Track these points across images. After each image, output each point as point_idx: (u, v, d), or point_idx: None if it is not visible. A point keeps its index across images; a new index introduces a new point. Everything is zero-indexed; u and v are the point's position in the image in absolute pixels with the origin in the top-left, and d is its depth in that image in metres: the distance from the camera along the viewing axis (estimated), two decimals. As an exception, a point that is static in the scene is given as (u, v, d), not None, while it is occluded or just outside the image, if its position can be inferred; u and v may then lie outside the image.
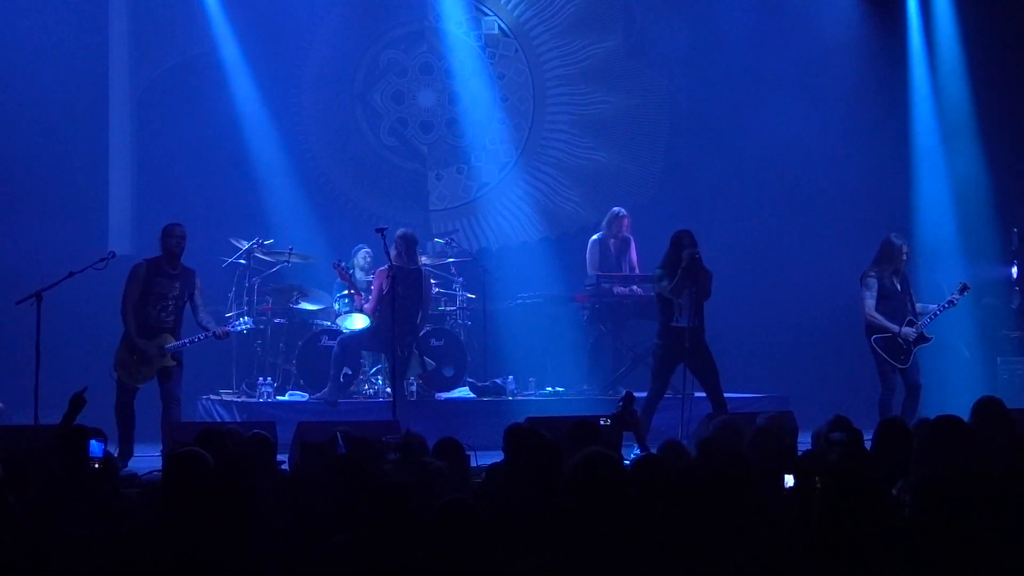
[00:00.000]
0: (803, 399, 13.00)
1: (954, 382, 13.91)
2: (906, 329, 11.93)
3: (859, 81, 16.15)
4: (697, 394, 11.95)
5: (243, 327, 12.20)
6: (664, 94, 16.65)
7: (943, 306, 12.08)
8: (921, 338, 11.96)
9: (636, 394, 9.99)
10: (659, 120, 16.66)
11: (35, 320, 10.70)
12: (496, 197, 16.49)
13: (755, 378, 14.23)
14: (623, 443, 8.88)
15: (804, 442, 8.93)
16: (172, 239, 11.06)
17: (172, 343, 11.07)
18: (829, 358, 15.22)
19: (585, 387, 14.13)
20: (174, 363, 11.07)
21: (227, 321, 12.68)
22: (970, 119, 15.76)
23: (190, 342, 11.21)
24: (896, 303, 12.01)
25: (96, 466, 6.60)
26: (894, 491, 5.85)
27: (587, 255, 14.31)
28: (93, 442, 6.73)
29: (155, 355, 11.02)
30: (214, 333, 11.33)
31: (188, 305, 11.26)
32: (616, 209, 14.46)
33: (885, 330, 11.92)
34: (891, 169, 16.08)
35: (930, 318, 12.04)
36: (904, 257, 12.11)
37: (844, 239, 15.14)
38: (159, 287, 11.07)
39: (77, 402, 7.83)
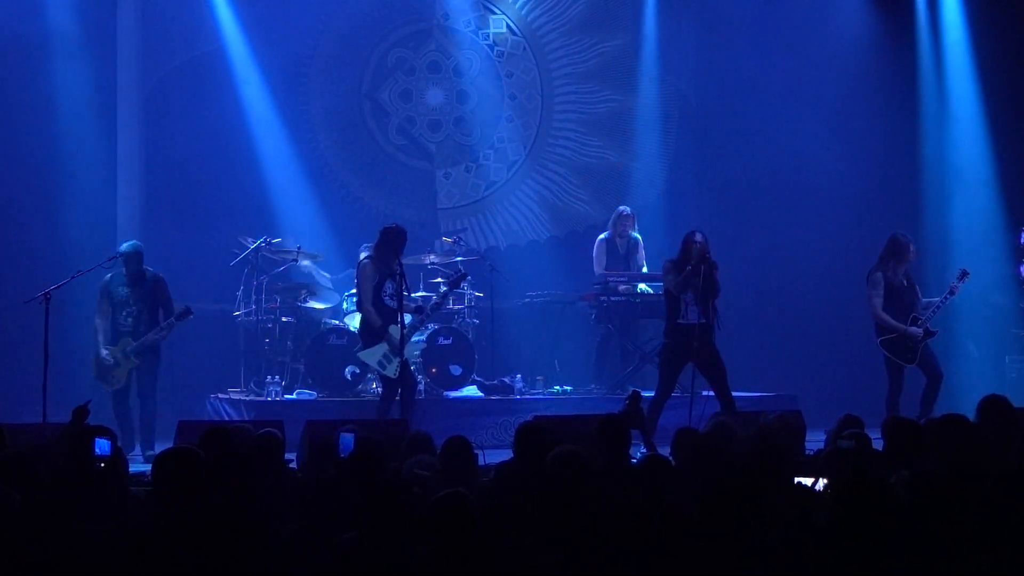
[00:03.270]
0: (812, 397, 13.00)
1: (962, 380, 13.89)
2: (912, 329, 11.92)
3: (867, 80, 16.12)
4: (705, 392, 11.95)
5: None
6: (673, 93, 16.62)
7: (945, 296, 12.08)
8: (927, 333, 11.96)
9: (644, 393, 9.99)
10: (667, 119, 16.63)
11: (43, 319, 10.74)
12: (504, 196, 16.47)
13: (764, 377, 14.21)
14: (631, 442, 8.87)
15: (812, 440, 8.94)
16: (125, 260, 12.06)
17: (132, 345, 12.01)
18: (838, 356, 15.21)
19: (593, 386, 14.14)
20: (138, 362, 12.03)
21: (235, 320, 13.42)
22: (979, 118, 15.75)
23: (149, 339, 12.04)
24: (903, 300, 12.01)
25: (102, 465, 6.60)
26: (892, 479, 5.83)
27: (594, 254, 14.32)
28: (99, 440, 6.73)
29: (120, 358, 12.01)
30: (163, 327, 12.10)
31: (160, 310, 12.18)
32: (622, 208, 14.47)
33: (892, 330, 11.92)
34: (898, 167, 16.06)
35: (934, 311, 12.04)
36: (911, 255, 12.10)
37: (852, 237, 15.13)
38: (120, 296, 12.03)
39: (80, 414, 7.88)
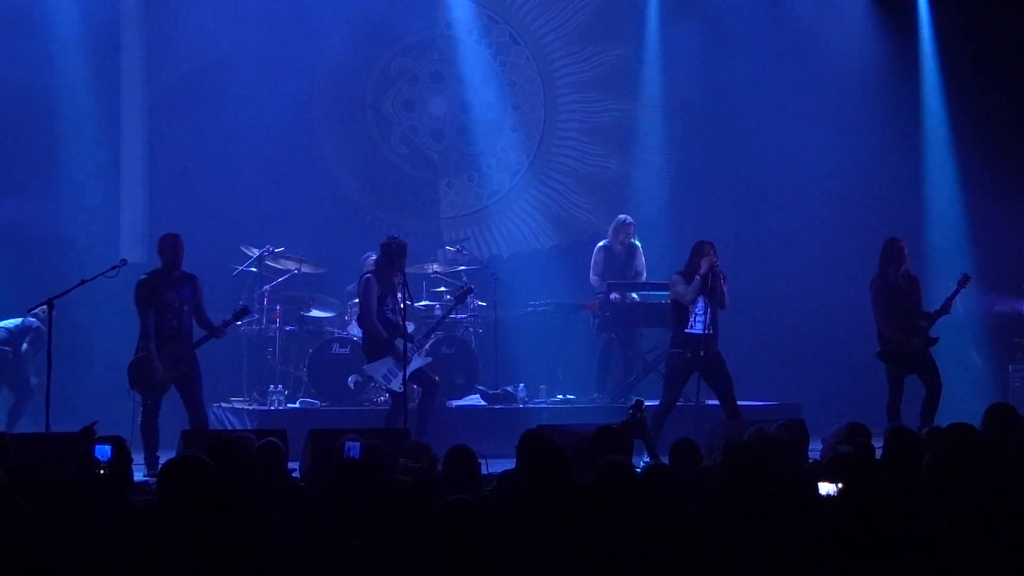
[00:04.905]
0: (815, 406, 12.98)
1: (966, 389, 13.88)
2: (913, 339, 11.86)
3: (870, 89, 16.14)
4: (710, 402, 11.94)
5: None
6: (675, 102, 16.64)
7: (947, 301, 11.94)
8: (928, 341, 11.90)
9: (647, 402, 9.98)
10: (670, 127, 16.65)
11: (47, 327, 10.74)
12: (507, 205, 16.48)
13: (767, 386, 14.20)
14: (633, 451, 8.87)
15: (816, 450, 8.92)
16: (167, 249, 11.13)
17: (182, 349, 11.08)
18: (841, 365, 15.19)
19: (596, 395, 14.14)
20: (187, 368, 11.09)
21: (238, 329, 13.09)
22: (982, 123, 15.77)
23: (197, 343, 11.17)
24: (908, 303, 11.95)
25: (101, 472, 6.58)
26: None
27: (592, 261, 14.33)
28: (99, 447, 6.72)
29: (168, 365, 11.02)
30: (213, 333, 11.23)
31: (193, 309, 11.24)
32: (622, 216, 14.48)
33: (893, 340, 11.86)
34: (902, 175, 16.08)
35: (935, 318, 11.94)
36: (903, 252, 12.00)
37: (856, 246, 15.10)
38: (165, 296, 11.08)
39: (86, 435, 7.86)
